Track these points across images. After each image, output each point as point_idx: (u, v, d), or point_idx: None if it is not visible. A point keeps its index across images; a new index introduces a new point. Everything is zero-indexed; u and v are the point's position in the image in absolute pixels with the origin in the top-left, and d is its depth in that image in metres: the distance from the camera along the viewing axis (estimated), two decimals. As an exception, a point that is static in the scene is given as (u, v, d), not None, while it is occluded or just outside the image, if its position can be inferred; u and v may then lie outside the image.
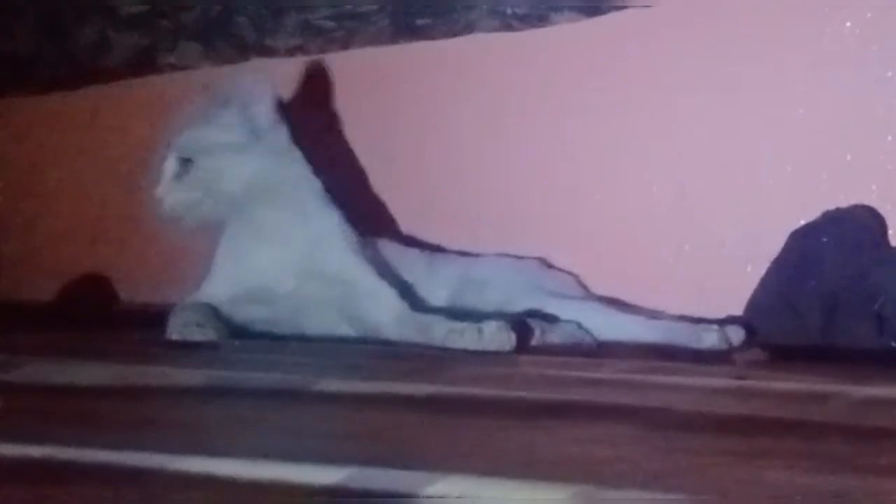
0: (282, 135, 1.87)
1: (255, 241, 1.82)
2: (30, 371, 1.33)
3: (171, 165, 1.82)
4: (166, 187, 1.81)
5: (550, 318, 1.82)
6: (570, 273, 2.04)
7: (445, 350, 1.59)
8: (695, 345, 1.70)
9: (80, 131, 2.68)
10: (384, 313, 1.74)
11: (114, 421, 1.07)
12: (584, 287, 2.02)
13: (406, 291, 1.83)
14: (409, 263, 1.98)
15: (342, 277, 1.80)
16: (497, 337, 1.60)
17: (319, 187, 1.88)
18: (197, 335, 1.69)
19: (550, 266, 2.06)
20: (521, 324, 1.72)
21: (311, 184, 1.87)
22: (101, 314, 2.39)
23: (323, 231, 1.84)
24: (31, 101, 2.75)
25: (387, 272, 1.87)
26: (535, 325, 1.76)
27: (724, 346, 1.69)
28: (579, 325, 1.81)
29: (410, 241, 2.11)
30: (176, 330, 1.71)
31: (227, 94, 1.87)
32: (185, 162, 1.82)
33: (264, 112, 1.86)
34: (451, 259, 2.06)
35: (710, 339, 1.70)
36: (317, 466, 0.80)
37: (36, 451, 0.86)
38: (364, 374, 1.32)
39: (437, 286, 1.95)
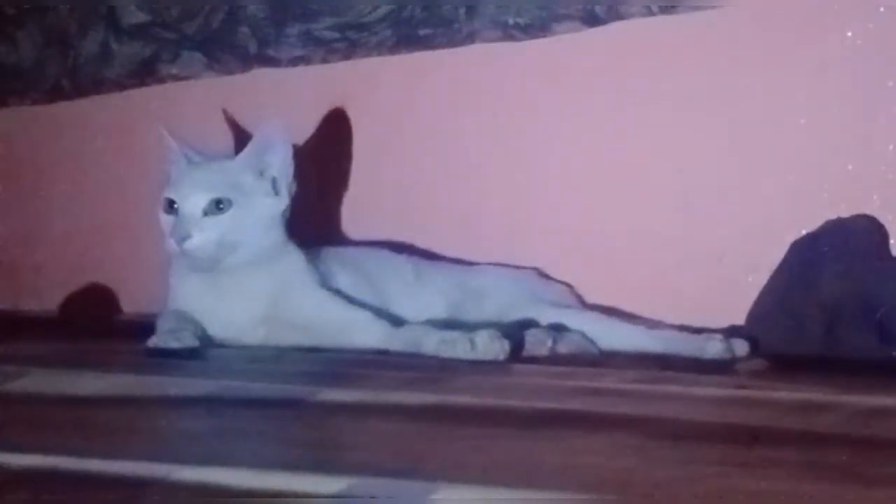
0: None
1: (218, 295, 1.80)
2: (33, 381, 1.33)
3: (200, 201, 1.76)
4: (190, 222, 1.75)
5: (558, 328, 1.81)
6: (565, 283, 2.04)
7: (445, 360, 1.59)
8: (698, 355, 1.70)
9: (83, 141, 2.68)
10: (369, 339, 1.73)
11: (116, 431, 1.07)
12: (580, 297, 2.02)
13: (380, 310, 1.81)
14: (397, 272, 1.98)
15: (313, 319, 1.78)
16: (490, 346, 1.59)
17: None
18: (172, 344, 1.68)
19: (546, 276, 2.06)
20: (516, 333, 1.72)
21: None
22: (104, 324, 2.39)
23: (286, 276, 1.81)
24: (33, 111, 2.76)
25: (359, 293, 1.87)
26: (548, 335, 1.76)
27: (727, 357, 1.69)
28: (583, 335, 1.81)
29: (406, 249, 2.11)
30: (153, 339, 1.69)
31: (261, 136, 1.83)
32: (218, 202, 1.76)
33: (279, 162, 1.84)
34: (445, 268, 2.05)
35: (713, 349, 1.69)
36: (318, 476, 0.81)
37: (38, 461, 0.86)
38: (365, 384, 1.32)
39: (431, 295, 1.95)
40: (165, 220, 1.77)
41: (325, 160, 2.05)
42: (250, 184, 1.81)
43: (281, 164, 1.84)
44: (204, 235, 1.74)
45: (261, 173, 1.83)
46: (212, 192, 1.76)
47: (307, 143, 2.20)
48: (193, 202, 1.75)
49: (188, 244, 1.73)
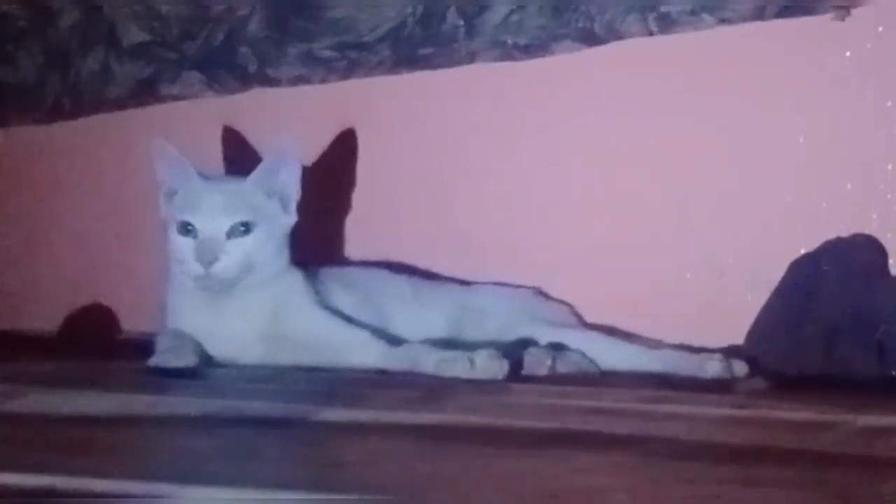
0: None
1: (217, 314, 1.80)
2: (33, 400, 1.33)
3: (223, 224, 1.76)
4: (216, 245, 1.75)
5: (557, 347, 1.81)
6: (564, 302, 2.04)
7: (444, 379, 1.59)
8: (698, 374, 1.70)
9: (83, 160, 2.69)
10: (367, 358, 1.74)
11: (117, 450, 1.07)
12: (579, 316, 2.02)
13: (378, 329, 1.82)
14: (396, 291, 1.98)
15: (311, 338, 1.78)
16: (489, 365, 1.59)
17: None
18: (173, 362, 1.68)
19: (545, 295, 2.06)
20: (515, 352, 1.72)
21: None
22: (104, 344, 2.39)
23: (285, 295, 1.82)
24: (34, 131, 2.76)
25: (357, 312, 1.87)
26: (548, 354, 1.76)
27: (727, 376, 1.69)
28: (583, 355, 1.81)
29: (405, 268, 2.12)
30: (153, 359, 1.70)
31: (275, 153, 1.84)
32: (241, 224, 1.77)
33: (290, 179, 1.85)
34: (444, 287, 2.06)
35: (713, 368, 1.70)
36: (318, 495, 0.81)
37: (38, 480, 0.86)
38: (364, 404, 1.32)
39: (430, 315, 1.95)
40: (183, 242, 1.77)
41: (323, 179, 2.05)
42: (265, 203, 1.82)
43: (292, 182, 1.85)
44: (230, 258, 1.75)
45: (271, 192, 1.83)
46: (236, 216, 1.77)
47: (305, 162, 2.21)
48: (217, 225, 1.76)
49: (215, 268, 1.73)
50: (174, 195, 1.83)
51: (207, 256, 1.73)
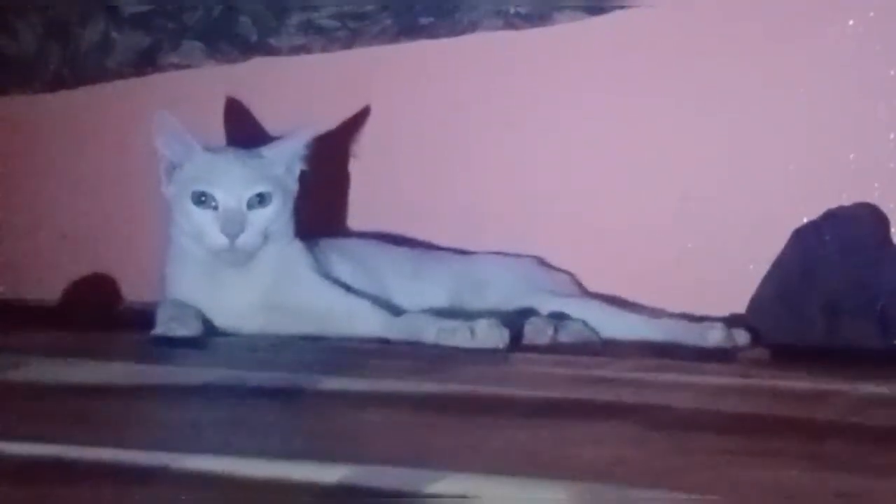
0: None
1: (217, 284, 1.80)
2: (35, 370, 1.34)
3: (245, 195, 1.76)
4: (240, 217, 1.75)
5: (559, 317, 1.82)
6: (566, 272, 2.04)
7: (445, 348, 1.59)
8: (700, 343, 1.70)
9: (84, 130, 2.68)
10: (368, 327, 1.74)
11: (118, 420, 1.07)
12: (581, 285, 2.02)
13: (378, 299, 1.82)
14: (396, 262, 1.98)
15: (312, 307, 1.78)
16: (489, 335, 1.59)
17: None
18: (178, 331, 1.68)
19: (547, 264, 2.06)
20: (517, 322, 1.72)
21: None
22: (106, 314, 2.39)
23: (285, 264, 1.82)
24: (34, 101, 2.75)
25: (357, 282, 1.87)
26: (549, 323, 1.76)
27: (729, 344, 1.69)
28: (585, 324, 1.81)
29: (406, 239, 2.12)
30: (158, 327, 1.70)
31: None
32: (258, 196, 1.76)
33: (304, 155, 1.86)
34: (445, 258, 2.06)
35: (715, 336, 1.70)
36: (319, 465, 0.81)
37: (40, 450, 0.86)
38: (364, 373, 1.32)
39: (431, 285, 1.95)
40: (201, 214, 1.75)
41: (324, 149, 2.04)
42: (281, 175, 1.82)
43: (303, 156, 1.85)
44: (253, 229, 1.75)
45: (288, 166, 1.84)
46: (256, 187, 1.76)
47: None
48: (238, 197, 1.75)
49: (240, 239, 1.73)
50: (176, 168, 1.82)
51: (234, 228, 1.72)
